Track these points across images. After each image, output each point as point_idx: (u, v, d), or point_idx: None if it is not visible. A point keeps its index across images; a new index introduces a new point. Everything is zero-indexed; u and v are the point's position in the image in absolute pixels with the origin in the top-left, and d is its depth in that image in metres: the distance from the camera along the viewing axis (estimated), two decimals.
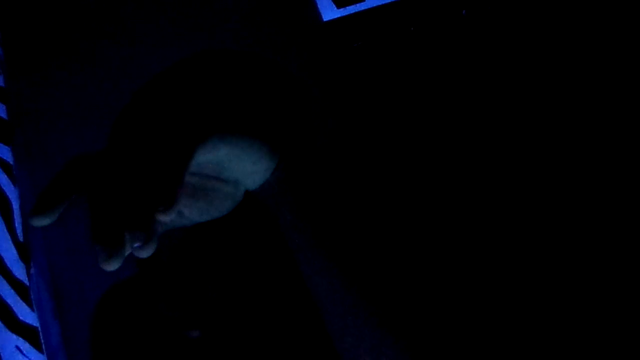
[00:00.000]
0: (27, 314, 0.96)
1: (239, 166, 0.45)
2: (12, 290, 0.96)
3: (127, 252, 0.38)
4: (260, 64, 0.50)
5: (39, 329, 0.96)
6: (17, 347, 0.94)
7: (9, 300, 0.95)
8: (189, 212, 0.45)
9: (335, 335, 0.50)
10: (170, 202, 0.37)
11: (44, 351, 0.96)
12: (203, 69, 0.45)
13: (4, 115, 1.05)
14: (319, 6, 1.04)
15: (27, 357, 0.95)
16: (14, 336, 0.94)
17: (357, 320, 0.48)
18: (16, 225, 1.00)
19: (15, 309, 0.95)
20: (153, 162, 0.39)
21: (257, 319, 0.58)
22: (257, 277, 0.58)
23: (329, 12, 1.04)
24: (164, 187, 0.37)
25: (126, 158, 0.39)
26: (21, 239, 0.99)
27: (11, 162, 1.03)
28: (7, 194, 1.00)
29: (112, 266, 0.37)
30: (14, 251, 0.98)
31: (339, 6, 1.03)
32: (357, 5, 1.03)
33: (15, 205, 1.01)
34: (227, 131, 0.43)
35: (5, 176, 1.01)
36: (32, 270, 0.99)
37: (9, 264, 0.97)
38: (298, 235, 0.48)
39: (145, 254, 0.37)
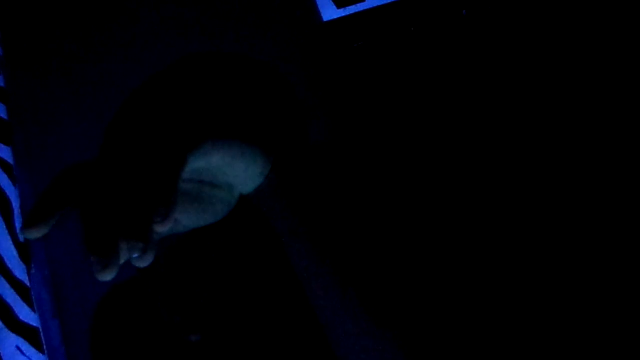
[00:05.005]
0: (27, 314, 0.96)
1: (232, 171, 0.45)
2: (12, 290, 0.96)
3: (123, 261, 0.38)
4: (250, 68, 0.50)
5: (40, 329, 0.96)
6: (17, 347, 0.94)
7: (9, 300, 0.95)
8: (184, 218, 0.45)
9: (333, 337, 0.50)
10: (167, 211, 0.37)
11: (45, 351, 0.96)
12: (193, 75, 0.45)
13: (4, 115, 1.05)
14: (319, 6, 1.04)
15: (27, 357, 0.95)
16: (14, 336, 0.94)
17: (354, 321, 0.48)
18: (16, 225, 1.00)
19: (15, 309, 0.95)
20: (146, 171, 0.39)
21: (257, 322, 0.58)
22: (256, 281, 0.58)
23: (329, 12, 1.04)
24: (159, 196, 0.37)
25: (119, 168, 0.39)
26: (21, 239, 0.99)
27: (11, 162, 1.03)
28: (7, 194, 1.00)
29: (107, 276, 0.37)
30: (14, 251, 0.98)
31: (339, 6, 1.03)
32: (357, 5, 1.03)
33: (15, 205, 1.01)
34: (219, 137, 0.43)
35: (5, 176, 1.01)
36: (33, 270, 0.99)
37: (9, 264, 0.97)
38: (293, 237, 0.48)
39: (143, 263, 0.37)
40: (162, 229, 0.37)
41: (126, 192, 0.38)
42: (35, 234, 0.39)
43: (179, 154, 0.40)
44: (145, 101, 0.42)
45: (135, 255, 0.37)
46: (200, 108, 0.43)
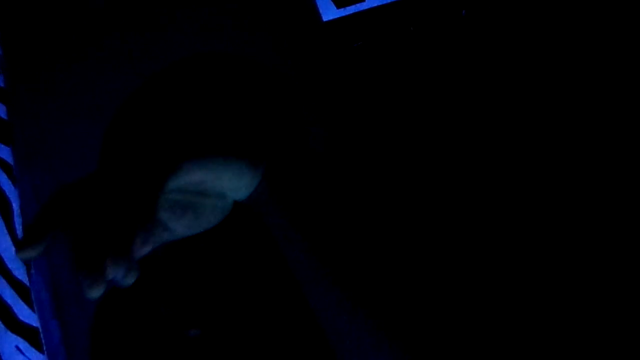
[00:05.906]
0: (27, 314, 0.96)
1: (221, 183, 0.45)
2: (12, 291, 0.96)
3: (110, 278, 0.39)
4: (244, 71, 0.49)
5: (39, 329, 0.96)
6: (17, 347, 0.94)
7: (9, 301, 0.95)
8: (178, 227, 0.45)
9: (332, 337, 0.50)
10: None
11: (45, 351, 0.96)
12: (180, 86, 0.45)
13: (4, 115, 1.05)
14: (319, 6, 1.04)
15: (27, 357, 0.95)
16: (14, 336, 0.95)
17: (353, 321, 0.48)
18: (16, 225, 1.00)
19: (15, 309, 0.95)
20: (127, 194, 0.39)
21: (256, 318, 0.58)
22: (255, 277, 0.58)
23: (329, 12, 1.04)
24: (138, 219, 0.38)
25: (104, 190, 0.40)
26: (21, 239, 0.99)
27: (11, 162, 1.03)
28: (7, 194, 1.00)
29: (95, 293, 0.37)
30: (14, 251, 0.98)
31: (339, 6, 1.03)
32: (357, 5, 1.03)
33: (15, 205, 1.01)
34: (199, 156, 0.43)
35: (5, 176, 1.02)
36: (32, 271, 0.99)
37: (9, 264, 0.97)
38: (290, 240, 0.48)
39: (128, 282, 0.38)
40: (142, 252, 0.38)
41: (110, 214, 0.39)
42: (31, 254, 0.40)
43: (157, 176, 0.40)
44: (129, 120, 0.43)
45: (119, 274, 0.38)
46: (181, 125, 0.43)
